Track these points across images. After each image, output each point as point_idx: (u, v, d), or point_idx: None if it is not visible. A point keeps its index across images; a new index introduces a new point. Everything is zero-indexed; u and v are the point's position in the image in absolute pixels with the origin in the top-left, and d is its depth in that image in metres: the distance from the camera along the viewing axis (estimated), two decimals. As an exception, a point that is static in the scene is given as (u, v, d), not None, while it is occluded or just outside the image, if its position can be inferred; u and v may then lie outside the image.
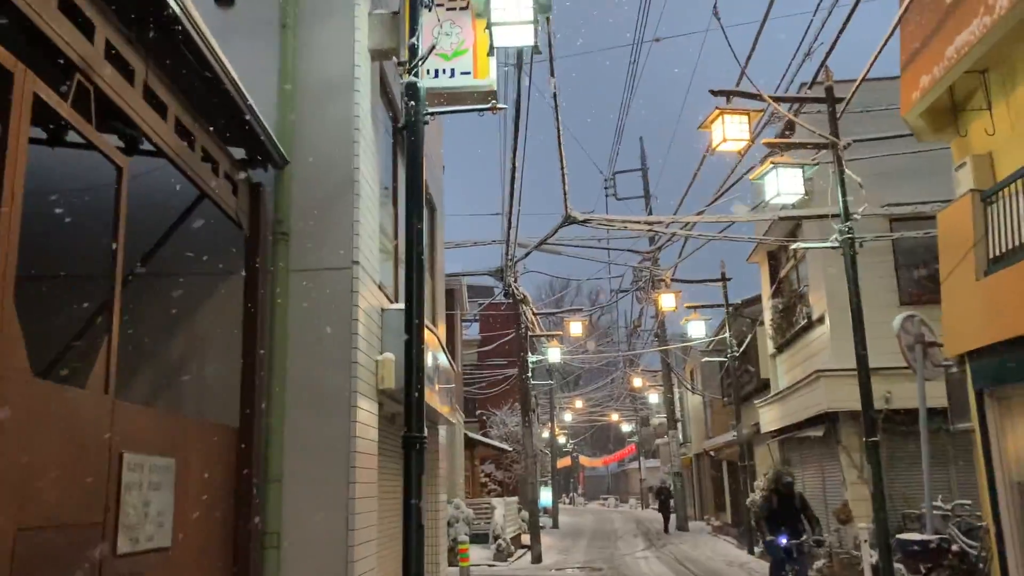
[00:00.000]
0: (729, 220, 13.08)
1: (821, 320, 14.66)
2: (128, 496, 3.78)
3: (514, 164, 10.17)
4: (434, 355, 8.93)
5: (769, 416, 17.96)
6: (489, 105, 6.05)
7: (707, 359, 23.70)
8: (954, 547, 8.65)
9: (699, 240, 14.85)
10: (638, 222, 13.39)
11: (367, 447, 6.13)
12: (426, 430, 10.03)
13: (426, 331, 8.92)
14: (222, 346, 5.77)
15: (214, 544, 4.94)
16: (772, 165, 9.80)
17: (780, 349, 17.76)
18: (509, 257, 15.61)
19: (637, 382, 36.38)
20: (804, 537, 9.37)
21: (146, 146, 4.73)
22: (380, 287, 6.96)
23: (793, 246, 11.01)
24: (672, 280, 19.64)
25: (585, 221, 13.07)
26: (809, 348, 15.59)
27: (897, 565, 12.47)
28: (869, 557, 12.48)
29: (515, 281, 19.11)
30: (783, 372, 17.76)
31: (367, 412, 6.21)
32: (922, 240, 14.06)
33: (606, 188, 30.73)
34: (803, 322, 15.60)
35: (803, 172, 9.86)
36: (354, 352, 5.91)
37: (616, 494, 66.69)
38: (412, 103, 5.81)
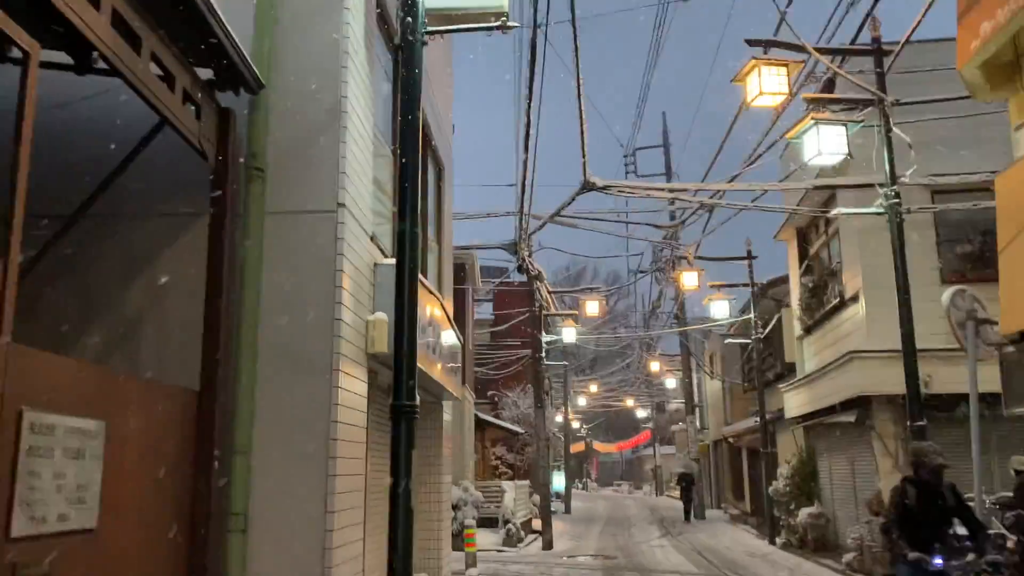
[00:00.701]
0: (761, 188, 12.17)
1: (855, 299, 13.75)
2: (30, 464, 3.01)
3: (528, 116, 9.31)
4: (437, 324, 8.14)
5: (795, 401, 17.07)
6: (498, 23, 5.21)
7: (730, 341, 22.78)
8: (1009, 543, 7.79)
9: (724, 214, 13.98)
10: (662, 189, 12.52)
11: (352, 418, 5.35)
12: (422, 402, 9.23)
13: (432, 300, 8.15)
14: (185, 298, 5.00)
15: (161, 526, 4.19)
16: (813, 121, 8.90)
17: (808, 331, 16.84)
18: (523, 225, 14.76)
19: (654, 366, 35.54)
20: (968, 558, 5.79)
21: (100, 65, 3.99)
22: (373, 239, 6.16)
23: (833, 212, 10.09)
24: (695, 258, 18.74)
25: (605, 188, 12.23)
26: (840, 329, 14.68)
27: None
28: (904, 552, 11.62)
29: (529, 255, 18.27)
30: (810, 355, 16.85)
31: (354, 379, 5.43)
32: (967, 213, 13.08)
33: (626, 164, 29.85)
34: (835, 301, 14.68)
35: (847, 130, 8.95)
36: (338, 308, 5.12)
37: (630, 480, 65.98)
38: (408, 19, 4.99)
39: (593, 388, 45.83)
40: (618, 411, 55.64)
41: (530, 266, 18.55)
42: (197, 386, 4.63)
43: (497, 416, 27.63)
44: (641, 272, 28.61)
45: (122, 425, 3.76)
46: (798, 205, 13.94)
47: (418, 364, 7.51)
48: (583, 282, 48.59)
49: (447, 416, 10.26)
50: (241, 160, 5.11)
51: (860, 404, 13.05)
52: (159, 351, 5.08)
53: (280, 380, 4.99)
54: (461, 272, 19.08)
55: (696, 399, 32.68)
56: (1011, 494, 11.32)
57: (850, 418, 13.43)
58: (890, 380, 12.57)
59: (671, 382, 37.74)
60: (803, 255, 17.52)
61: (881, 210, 9.28)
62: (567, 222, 16.87)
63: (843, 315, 14.51)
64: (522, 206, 13.36)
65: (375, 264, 6.13)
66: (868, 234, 13.44)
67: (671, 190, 12.43)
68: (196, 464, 4.53)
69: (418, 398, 4.78)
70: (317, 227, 5.22)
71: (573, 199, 12.97)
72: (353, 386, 5.40)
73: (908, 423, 9.12)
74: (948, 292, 9.36)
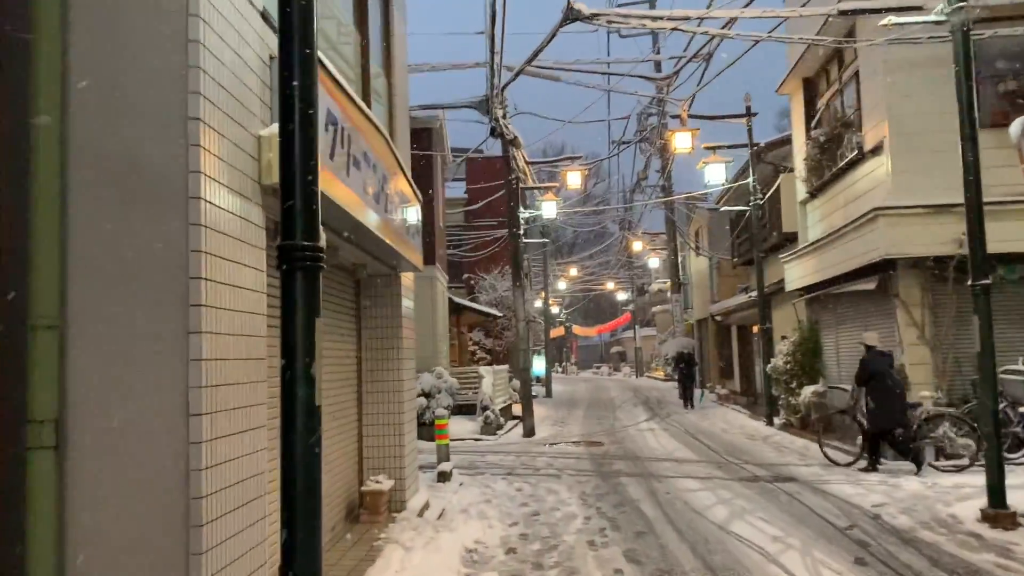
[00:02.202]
0: (777, 15, 10.15)
1: (877, 151, 11.96)
2: None
3: None
4: (384, 171, 6.28)
5: (797, 272, 15.57)
6: None
7: (725, 208, 21.06)
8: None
9: (721, 63, 11.98)
10: (660, 18, 10.42)
11: (235, 276, 3.57)
12: (374, 275, 7.40)
13: (376, 137, 6.22)
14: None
15: None
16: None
17: (814, 193, 15.13)
18: (494, 71, 12.64)
19: (637, 245, 34.05)
20: None
21: None
22: (266, 18, 4.20)
23: (883, 22, 8.13)
24: (688, 116, 16.73)
25: (593, 16, 10.18)
26: (855, 188, 12.97)
27: (966, 440, 10.35)
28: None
29: (504, 116, 16.17)
30: (816, 220, 15.22)
31: (234, 217, 3.61)
32: (1012, 46, 11.23)
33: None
34: (851, 155, 12.88)
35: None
36: (194, 102, 3.24)
37: (609, 363, 65.93)
38: None
39: (573, 271, 44.51)
40: (598, 295, 54.72)
41: (505, 129, 16.49)
42: (-46, 222, 2.80)
43: (474, 300, 26.13)
44: (624, 143, 26.54)
45: None
46: (816, 35, 11.90)
47: (367, 224, 5.72)
48: (561, 165, 46.32)
49: (407, 301, 8.54)
50: None
51: (882, 269, 11.50)
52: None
53: (104, 215, 3.16)
54: (426, 137, 17.03)
55: (680, 278, 31.38)
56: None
57: (869, 285, 11.90)
58: (921, 240, 11.00)
59: (654, 262, 36.37)
60: (810, 109, 15.61)
61: (942, 17, 7.35)
62: (546, 74, 14.77)
63: (859, 171, 12.76)
64: (492, 44, 11.22)
65: (271, 57, 4.21)
66: (895, 73, 11.56)
67: (671, 18, 10.36)
68: (-44, 347, 2.76)
69: (323, 238, 2.98)
70: (155, -27, 3.26)
71: (554, 35, 10.87)
72: (233, 228, 3.58)
73: (970, 282, 7.47)
74: (1019, 121, 7.60)
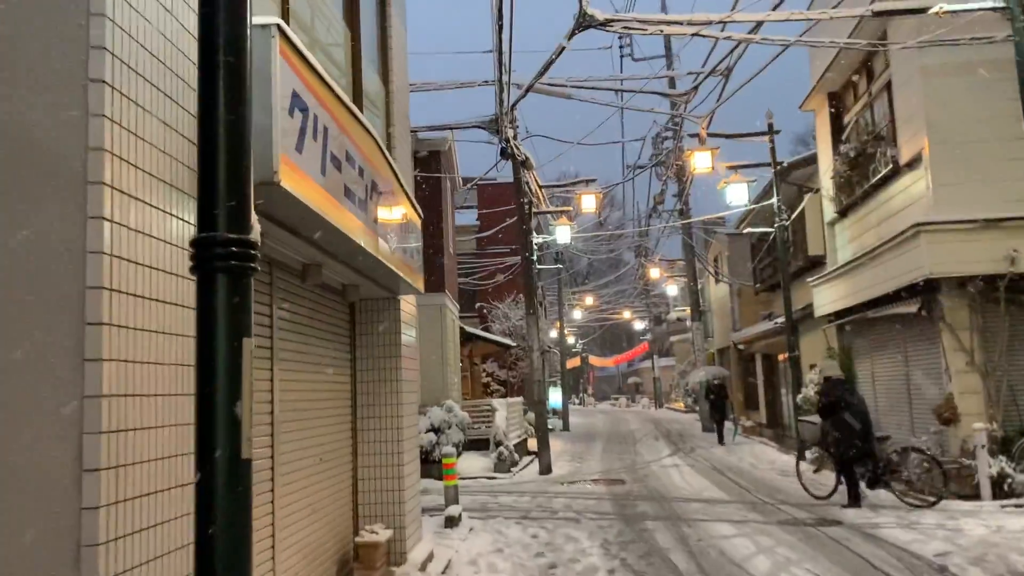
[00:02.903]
0: (807, 19, 9.43)
1: (914, 163, 11.15)
2: None
3: None
4: (373, 175, 5.54)
5: (827, 296, 14.67)
6: None
7: (748, 230, 20.22)
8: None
9: (743, 75, 11.25)
10: (680, 23, 9.71)
11: (154, 286, 2.80)
12: (368, 299, 6.71)
13: (364, 136, 5.54)
14: None
15: None
16: None
17: (843, 213, 14.28)
18: (503, 79, 11.96)
19: (654, 272, 33.19)
20: None
21: None
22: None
23: (934, 9, 7.32)
24: (708, 135, 15.99)
25: (607, 23, 9.51)
26: (890, 205, 12.13)
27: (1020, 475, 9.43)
28: (987, 467, 9.42)
29: (514, 137, 15.51)
30: (846, 241, 14.36)
31: (152, 209, 2.85)
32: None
33: (621, 47, 26.90)
34: (884, 170, 12.06)
35: None
36: (96, 59, 2.50)
37: (627, 394, 64.64)
38: None
39: (589, 300, 43.66)
40: (614, 325, 53.73)
41: (515, 150, 15.81)
42: None
43: (487, 329, 25.33)
44: (639, 167, 25.85)
45: None
46: (849, 38, 11.15)
47: (349, 235, 4.96)
48: (575, 189, 45.65)
49: (408, 328, 7.77)
50: None
51: (925, 290, 10.61)
52: None
53: (-24, 206, 2.41)
54: (435, 160, 16.38)
55: (700, 305, 30.45)
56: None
57: (910, 308, 11.00)
58: (967, 257, 10.13)
59: (672, 289, 35.48)
60: (837, 125, 14.83)
61: (1000, 4, 6.58)
62: (557, 91, 14.11)
63: (895, 187, 11.93)
64: (500, 56, 10.55)
65: (223, 27, 3.47)
66: (933, 77, 10.79)
67: (691, 23, 9.67)
68: None
69: (256, 228, 2.21)
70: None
71: (569, 38, 10.18)
72: (157, 226, 2.82)
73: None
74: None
